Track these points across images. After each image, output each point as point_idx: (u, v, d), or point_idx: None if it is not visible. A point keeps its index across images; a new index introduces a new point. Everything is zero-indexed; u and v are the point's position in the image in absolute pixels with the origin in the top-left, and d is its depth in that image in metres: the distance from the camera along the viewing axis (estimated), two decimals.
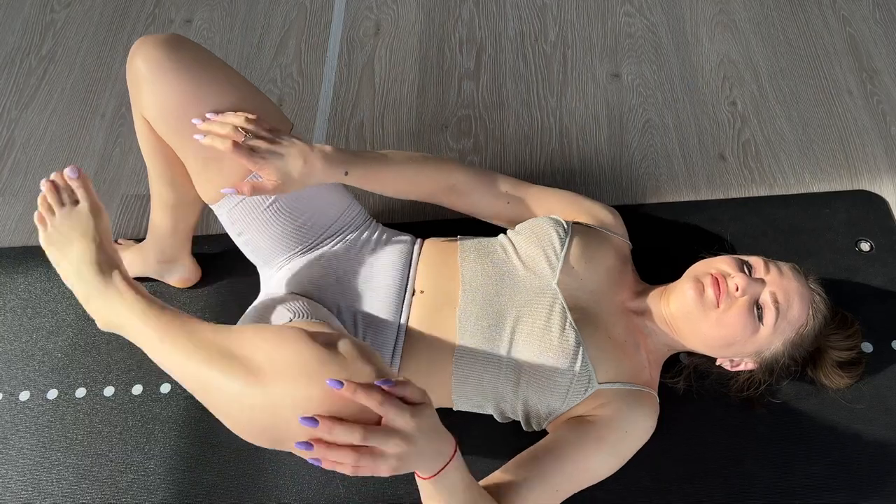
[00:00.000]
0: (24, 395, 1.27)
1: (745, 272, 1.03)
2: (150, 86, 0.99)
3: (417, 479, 0.83)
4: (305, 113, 1.64)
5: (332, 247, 1.13)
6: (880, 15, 1.72)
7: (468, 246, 1.13)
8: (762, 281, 1.03)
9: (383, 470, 0.73)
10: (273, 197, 1.07)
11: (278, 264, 1.15)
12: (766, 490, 1.13)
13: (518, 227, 1.16)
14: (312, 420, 0.70)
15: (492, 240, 1.15)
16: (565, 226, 1.11)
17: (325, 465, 0.72)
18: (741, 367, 1.10)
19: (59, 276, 1.38)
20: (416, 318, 1.07)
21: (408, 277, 1.11)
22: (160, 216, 1.23)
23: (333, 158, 1.01)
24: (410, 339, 1.06)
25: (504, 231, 1.19)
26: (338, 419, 0.70)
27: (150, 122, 1.05)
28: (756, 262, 1.05)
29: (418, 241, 1.18)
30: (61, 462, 1.20)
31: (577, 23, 1.76)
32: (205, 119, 0.99)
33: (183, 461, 1.19)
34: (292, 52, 1.74)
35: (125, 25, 1.81)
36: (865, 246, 1.37)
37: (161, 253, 1.30)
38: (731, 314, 1.01)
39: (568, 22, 1.76)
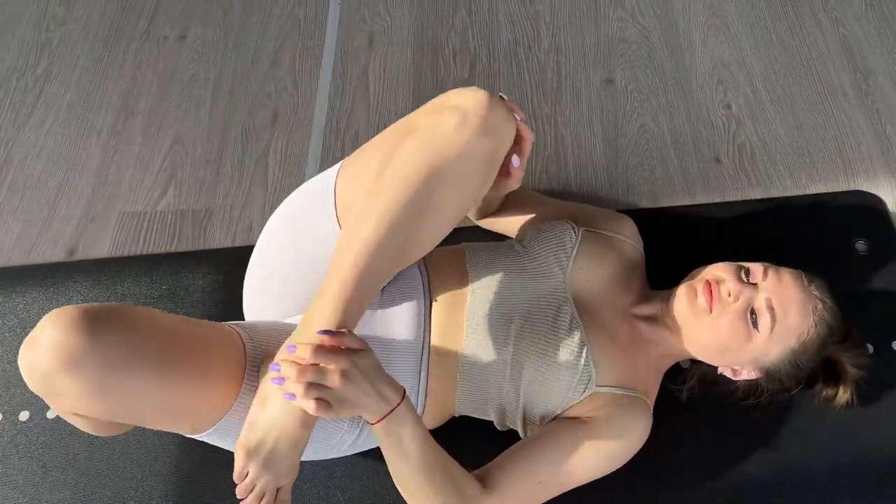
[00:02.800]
0: (24, 415, 1.27)
1: (741, 278, 1.02)
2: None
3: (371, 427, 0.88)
4: (301, 125, 1.64)
5: None
6: (872, 15, 1.73)
7: (477, 248, 1.14)
8: (757, 286, 1.02)
9: (327, 402, 0.81)
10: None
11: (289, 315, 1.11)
12: (765, 492, 1.13)
13: (529, 231, 1.16)
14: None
15: (501, 243, 1.16)
16: (575, 229, 1.12)
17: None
18: (743, 376, 1.09)
19: (58, 295, 1.38)
20: (435, 325, 1.07)
21: (425, 291, 1.09)
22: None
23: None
24: (433, 347, 1.06)
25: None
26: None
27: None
28: (755, 267, 1.03)
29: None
30: (61, 481, 1.20)
31: (569, 30, 1.77)
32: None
33: (183, 477, 1.19)
34: (287, 66, 1.75)
35: (120, 43, 1.82)
36: (862, 246, 1.37)
37: None
38: (724, 320, 1.01)
39: (561, 29, 1.77)
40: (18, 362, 0.80)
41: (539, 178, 1.52)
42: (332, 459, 1.16)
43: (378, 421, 0.86)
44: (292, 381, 0.82)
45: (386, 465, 0.95)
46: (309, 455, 1.08)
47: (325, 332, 0.83)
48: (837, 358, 1.12)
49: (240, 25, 1.83)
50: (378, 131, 1.61)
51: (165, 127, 1.65)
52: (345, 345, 0.84)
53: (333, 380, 0.81)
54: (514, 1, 1.83)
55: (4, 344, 1.35)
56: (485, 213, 1.26)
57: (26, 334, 1.33)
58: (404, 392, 0.88)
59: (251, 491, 0.89)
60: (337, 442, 1.04)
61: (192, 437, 0.95)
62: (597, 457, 1.00)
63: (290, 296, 1.07)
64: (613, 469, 1.02)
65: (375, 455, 0.98)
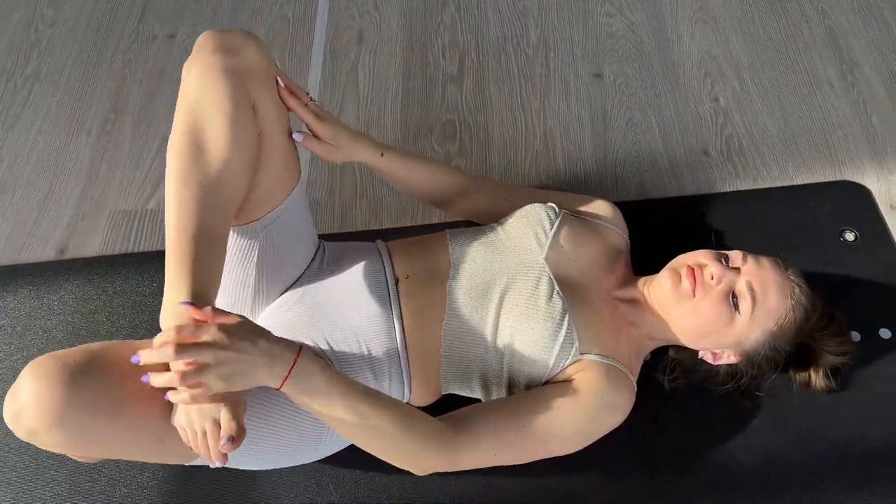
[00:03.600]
0: None
1: (721, 262, 1.04)
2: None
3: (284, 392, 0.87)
4: (291, 121, 1.64)
5: (300, 281, 1.12)
6: (858, 6, 1.74)
7: (457, 230, 1.17)
8: (738, 270, 1.04)
9: (214, 381, 0.79)
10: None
11: (251, 317, 1.12)
12: (756, 481, 1.14)
13: (510, 214, 1.18)
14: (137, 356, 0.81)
15: (482, 226, 1.18)
16: (556, 210, 1.14)
17: (170, 397, 0.81)
18: (723, 360, 1.11)
19: (49, 293, 1.39)
20: (407, 302, 1.08)
21: (384, 268, 1.11)
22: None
23: (371, 141, 1.12)
24: (409, 326, 1.07)
25: None
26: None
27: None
28: (735, 254, 1.07)
29: (378, 240, 1.19)
30: (54, 479, 1.20)
31: (558, 25, 1.77)
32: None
33: (176, 473, 1.19)
34: (277, 62, 1.75)
35: (109, 42, 1.82)
36: (850, 235, 1.38)
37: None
38: (707, 303, 1.03)
39: (549, 24, 1.78)
40: (3, 412, 0.83)
41: (528, 172, 1.53)
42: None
43: (282, 384, 0.85)
44: (160, 378, 0.80)
45: (379, 459, 0.96)
46: (305, 458, 1.09)
47: (187, 302, 0.82)
48: (812, 343, 1.14)
49: (228, 24, 1.83)
50: (368, 127, 1.62)
51: (155, 126, 1.66)
52: (212, 318, 0.82)
53: (206, 355, 0.79)
54: None
55: None
56: (449, 203, 1.27)
57: (17, 333, 1.35)
58: (300, 347, 0.87)
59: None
60: (326, 438, 1.04)
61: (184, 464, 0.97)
62: (577, 416, 0.99)
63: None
64: (593, 438, 1.03)
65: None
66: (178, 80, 0.95)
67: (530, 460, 1.01)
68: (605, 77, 1.67)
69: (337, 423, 0.92)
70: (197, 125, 0.91)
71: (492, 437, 0.97)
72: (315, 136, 1.06)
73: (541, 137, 1.58)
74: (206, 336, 0.80)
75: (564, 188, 1.49)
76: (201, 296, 0.86)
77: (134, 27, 1.84)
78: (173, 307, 0.86)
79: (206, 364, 0.80)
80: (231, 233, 1.03)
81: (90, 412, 0.82)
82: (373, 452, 0.95)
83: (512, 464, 1.00)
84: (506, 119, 1.62)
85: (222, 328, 0.81)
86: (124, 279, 1.41)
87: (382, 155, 1.13)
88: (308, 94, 1.05)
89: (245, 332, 0.83)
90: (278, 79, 1.00)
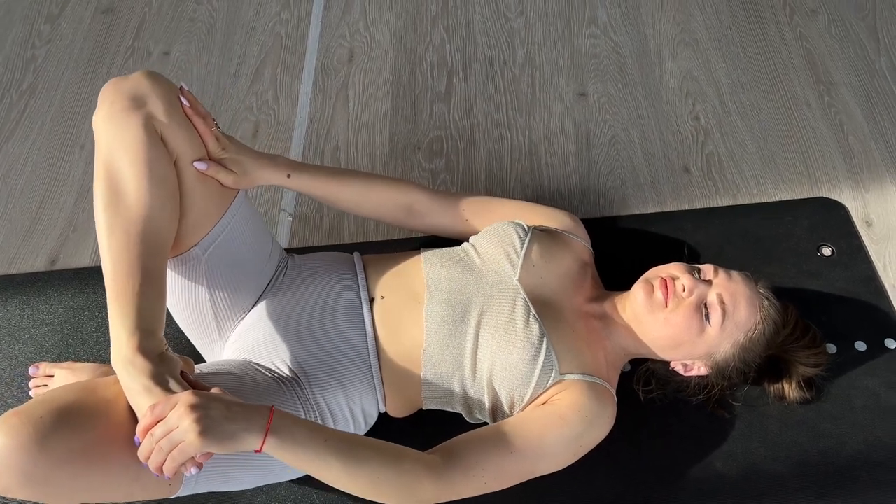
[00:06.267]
0: None
1: (693, 275, 1.07)
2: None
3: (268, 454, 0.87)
4: (281, 137, 1.68)
5: (267, 299, 1.13)
6: (835, 30, 1.79)
7: (430, 252, 1.17)
8: (709, 283, 1.07)
9: (193, 442, 0.81)
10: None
11: (220, 341, 1.14)
12: (733, 491, 1.15)
13: (480, 232, 1.19)
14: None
15: (455, 247, 1.19)
16: (525, 227, 1.16)
17: (153, 469, 0.84)
18: (694, 372, 1.13)
19: (38, 303, 1.40)
20: (383, 323, 1.09)
21: (358, 285, 1.12)
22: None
23: (278, 161, 1.11)
24: (383, 345, 1.08)
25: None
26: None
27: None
28: (706, 267, 1.09)
29: (355, 253, 1.20)
30: None
31: (544, 45, 1.82)
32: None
33: None
34: (268, 81, 1.79)
35: (104, 59, 1.85)
36: (827, 251, 1.41)
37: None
38: (678, 314, 1.05)
39: (535, 45, 1.82)
40: None
41: (513, 187, 1.56)
42: None
43: (263, 441, 0.85)
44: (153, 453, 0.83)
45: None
46: (270, 478, 1.10)
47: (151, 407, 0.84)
48: (784, 355, 1.16)
49: (223, 42, 1.87)
50: (357, 144, 1.65)
51: None
52: (165, 403, 0.83)
53: (180, 418, 0.81)
54: (490, 18, 1.89)
55: None
56: (405, 223, 1.24)
57: (7, 343, 1.36)
58: (271, 406, 0.88)
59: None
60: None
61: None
62: (565, 436, 1.00)
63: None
64: (581, 454, 1.04)
65: None
66: None
67: (519, 482, 1.01)
68: (589, 96, 1.71)
69: (326, 472, 0.90)
70: (112, 174, 0.94)
71: (482, 466, 0.96)
72: (216, 161, 1.05)
73: (526, 154, 1.62)
74: (174, 400, 0.83)
75: (549, 202, 1.50)
76: (145, 330, 0.89)
77: (129, 44, 1.88)
78: (120, 347, 0.88)
79: (180, 427, 0.81)
80: (173, 264, 1.04)
81: (61, 467, 0.82)
82: (366, 496, 0.93)
83: (502, 489, 1.00)
84: (492, 136, 1.65)
85: (189, 393, 0.84)
86: None
87: (289, 176, 1.11)
88: (214, 120, 1.05)
89: (208, 397, 0.84)
90: (182, 99, 1.00)
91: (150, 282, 0.92)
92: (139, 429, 0.84)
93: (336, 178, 1.16)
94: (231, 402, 0.85)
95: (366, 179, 1.19)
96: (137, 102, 0.95)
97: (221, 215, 1.06)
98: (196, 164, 1.02)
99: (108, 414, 0.88)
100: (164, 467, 0.83)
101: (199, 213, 1.03)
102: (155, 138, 0.96)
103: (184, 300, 1.08)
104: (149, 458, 0.83)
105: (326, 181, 1.15)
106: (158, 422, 0.83)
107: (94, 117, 0.96)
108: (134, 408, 0.88)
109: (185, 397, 0.83)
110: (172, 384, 0.87)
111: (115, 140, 0.94)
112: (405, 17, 1.90)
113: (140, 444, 0.84)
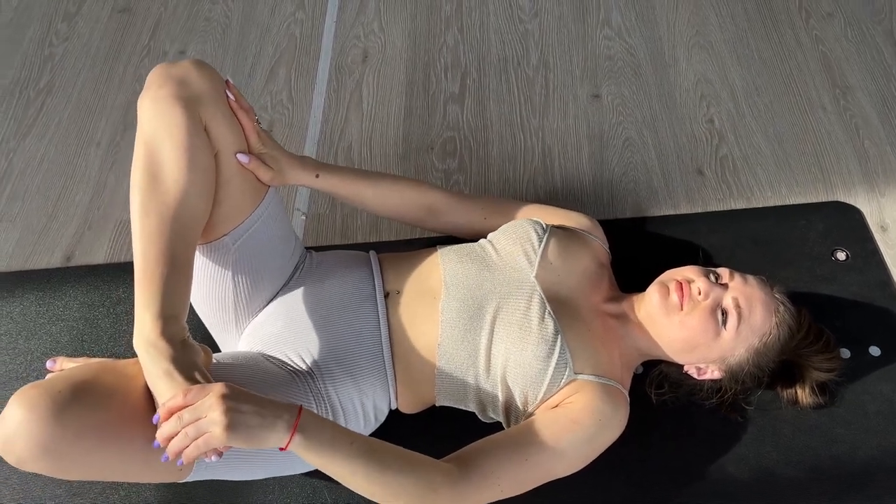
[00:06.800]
0: None
1: (709, 278, 1.06)
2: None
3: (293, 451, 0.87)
4: (295, 137, 1.68)
5: (283, 293, 1.14)
6: (851, 33, 1.78)
7: (447, 248, 1.18)
8: (725, 287, 1.06)
9: (218, 434, 0.81)
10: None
11: (237, 332, 1.15)
12: (746, 495, 1.15)
13: (498, 229, 1.20)
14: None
15: (472, 244, 1.19)
16: (544, 225, 1.16)
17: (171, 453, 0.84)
18: (707, 376, 1.13)
19: (54, 299, 1.41)
20: (397, 318, 1.10)
21: (374, 280, 1.13)
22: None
23: (307, 162, 1.13)
24: (397, 340, 1.09)
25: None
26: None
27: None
28: (722, 271, 1.09)
29: (371, 252, 1.21)
30: (54, 480, 1.21)
31: (558, 47, 1.82)
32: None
33: None
34: (282, 80, 1.80)
35: (121, 58, 1.87)
36: (842, 255, 1.40)
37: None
38: (694, 317, 1.05)
39: (549, 46, 1.82)
40: None
41: (527, 188, 1.56)
42: None
43: (290, 438, 0.85)
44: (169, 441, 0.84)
45: None
46: (281, 470, 1.11)
47: (167, 405, 0.84)
48: (797, 360, 1.15)
49: (237, 42, 1.88)
50: (370, 144, 1.66)
51: None
52: (198, 391, 0.84)
53: (209, 409, 0.82)
54: (504, 19, 1.89)
55: (2, 348, 1.38)
56: (423, 222, 1.26)
57: (23, 338, 1.37)
58: (300, 406, 0.88)
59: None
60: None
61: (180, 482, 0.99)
62: (579, 439, 1.00)
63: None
64: (594, 457, 1.04)
65: None
66: None
67: (534, 487, 1.01)
68: (603, 98, 1.71)
69: (348, 474, 0.90)
70: (152, 157, 0.95)
71: (498, 473, 0.96)
72: (256, 157, 1.06)
73: (539, 155, 1.62)
74: (204, 391, 0.83)
75: (562, 203, 1.50)
76: (169, 316, 0.90)
77: (145, 43, 1.90)
78: (143, 329, 0.89)
79: (209, 417, 0.82)
80: (203, 250, 1.05)
81: (76, 441, 0.83)
82: (384, 500, 0.93)
83: (516, 494, 1.00)
84: (505, 137, 1.65)
85: (222, 394, 0.83)
86: (128, 286, 1.44)
87: (318, 176, 1.14)
88: (256, 115, 1.07)
89: (238, 391, 0.85)
90: (229, 93, 1.02)
91: (178, 267, 0.93)
92: (163, 409, 0.84)
93: (361, 178, 1.18)
94: (261, 399, 0.86)
95: (388, 180, 1.21)
96: (185, 89, 0.96)
97: (254, 208, 1.07)
98: (239, 156, 1.03)
99: (126, 394, 0.88)
100: (185, 453, 0.83)
101: (233, 205, 1.05)
102: (199, 126, 0.97)
103: (207, 287, 1.09)
104: (168, 439, 0.84)
105: (352, 181, 1.17)
106: (187, 406, 0.83)
107: (140, 99, 0.97)
108: (153, 390, 0.88)
109: (219, 388, 0.84)
110: (196, 373, 0.87)
111: (160, 123, 0.95)
112: (419, 18, 1.90)
113: (159, 423, 0.84)
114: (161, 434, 0.84)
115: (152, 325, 0.88)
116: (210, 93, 0.99)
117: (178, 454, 0.84)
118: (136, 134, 0.98)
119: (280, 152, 1.10)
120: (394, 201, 1.21)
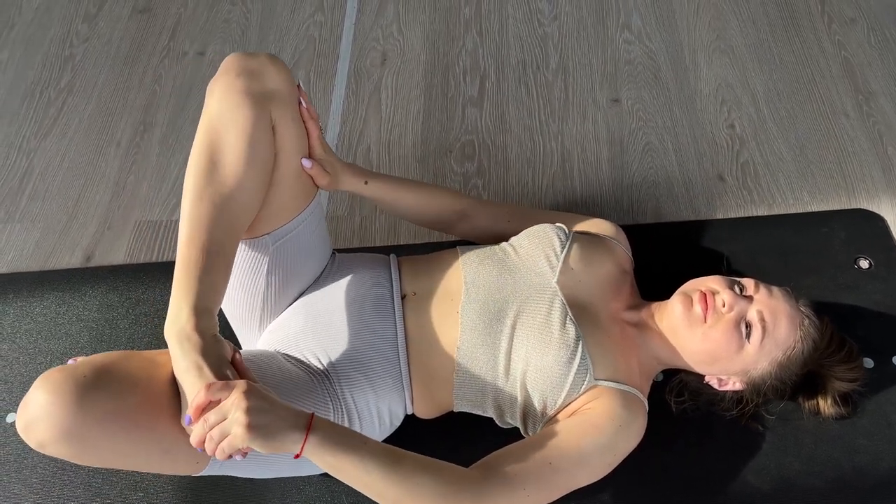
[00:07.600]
0: None
1: (734, 290, 1.05)
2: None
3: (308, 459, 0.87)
4: None
5: (305, 294, 1.14)
6: (875, 39, 1.76)
7: (468, 249, 1.17)
8: (750, 299, 1.05)
9: (240, 434, 0.81)
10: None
11: (259, 329, 1.16)
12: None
13: (521, 233, 1.19)
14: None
15: (493, 246, 1.19)
16: (566, 231, 1.15)
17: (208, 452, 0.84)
18: (729, 387, 1.12)
19: (74, 299, 1.42)
20: (415, 320, 1.09)
21: (391, 283, 1.13)
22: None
23: (356, 169, 1.15)
24: (414, 341, 1.08)
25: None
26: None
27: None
28: (747, 282, 1.08)
29: (392, 255, 1.20)
30: (73, 481, 1.22)
31: (577, 51, 1.81)
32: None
33: (192, 480, 1.21)
34: (301, 82, 1.79)
35: (140, 58, 1.88)
36: (864, 263, 1.39)
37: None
38: (718, 329, 1.04)
39: (569, 50, 1.81)
40: (16, 421, 0.85)
41: (545, 193, 1.55)
42: None
43: (304, 441, 0.84)
44: (203, 439, 0.84)
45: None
46: (297, 470, 1.11)
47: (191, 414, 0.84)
48: (820, 370, 1.14)
49: (257, 43, 1.89)
50: (389, 146, 1.66)
51: (182, 140, 1.70)
52: (221, 387, 0.84)
53: (231, 408, 0.82)
54: (523, 23, 1.88)
55: (22, 347, 1.39)
56: (448, 226, 1.29)
57: (42, 338, 1.38)
58: (312, 414, 0.87)
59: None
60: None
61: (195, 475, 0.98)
62: (600, 446, 0.98)
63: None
64: (614, 464, 1.02)
65: None
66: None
67: (559, 496, 0.99)
68: (622, 102, 1.70)
69: (365, 478, 0.88)
70: (215, 144, 0.95)
71: (522, 480, 0.94)
72: (318, 162, 1.08)
73: (558, 160, 1.61)
74: (225, 393, 0.83)
75: (580, 210, 1.51)
76: (205, 310, 0.89)
77: (165, 44, 1.90)
78: (179, 320, 0.88)
79: (232, 418, 0.82)
80: (242, 244, 1.05)
81: (97, 426, 0.83)
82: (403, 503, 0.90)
83: (544, 503, 0.98)
84: (524, 141, 1.65)
85: (244, 392, 0.83)
86: (147, 287, 1.45)
87: (367, 183, 1.16)
88: (320, 123, 1.08)
89: (255, 393, 0.84)
90: (301, 99, 1.04)
91: (221, 260, 0.93)
92: (192, 406, 0.84)
93: (403, 185, 1.22)
94: (278, 401, 0.86)
95: (428, 187, 1.27)
96: (260, 84, 0.97)
97: (299, 212, 1.08)
98: (303, 161, 1.05)
99: (150, 383, 0.88)
100: (217, 454, 0.84)
101: (280, 206, 1.05)
102: (267, 123, 0.98)
103: (238, 283, 1.09)
104: (202, 443, 0.84)
105: (396, 188, 1.20)
106: (212, 402, 0.83)
107: (212, 83, 0.98)
108: (180, 381, 0.88)
109: (242, 385, 0.83)
110: (226, 369, 0.87)
111: (228, 112, 0.95)
112: (438, 21, 1.90)
113: (190, 422, 0.85)
114: (194, 440, 0.85)
115: (188, 317, 0.88)
116: (283, 93, 1.00)
117: (213, 453, 0.84)
118: (202, 118, 0.97)
119: (335, 158, 1.12)
120: (432, 207, 1.24)
